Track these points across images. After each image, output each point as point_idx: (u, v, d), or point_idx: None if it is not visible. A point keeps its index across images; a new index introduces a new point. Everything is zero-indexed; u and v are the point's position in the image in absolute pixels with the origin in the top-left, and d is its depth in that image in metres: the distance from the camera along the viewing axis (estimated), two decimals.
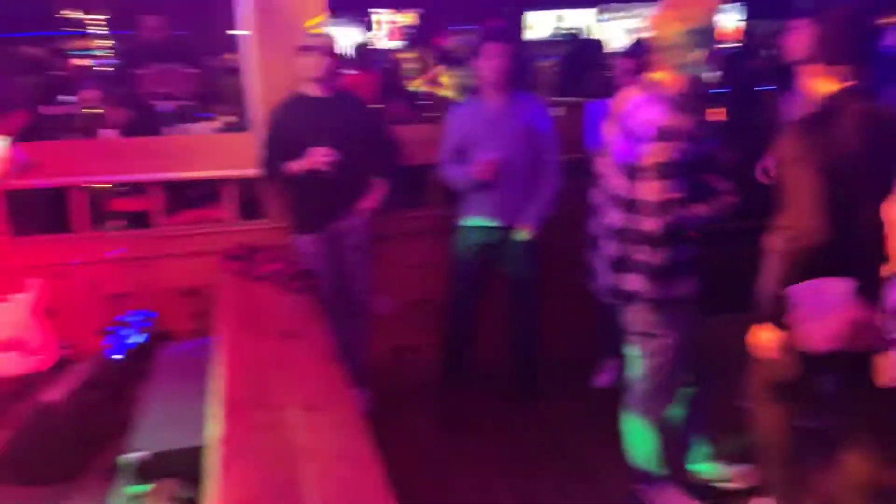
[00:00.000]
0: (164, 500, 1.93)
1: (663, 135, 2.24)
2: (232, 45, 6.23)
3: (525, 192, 3.31)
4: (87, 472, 2.47)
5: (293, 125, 3.17)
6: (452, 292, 3.52)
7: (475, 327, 3.56)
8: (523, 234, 3.32)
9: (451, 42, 4.46)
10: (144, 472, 1.95)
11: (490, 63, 3.20)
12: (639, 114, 2.32)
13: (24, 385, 2.92)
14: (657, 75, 2.35)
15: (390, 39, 6.79)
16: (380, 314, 3.58)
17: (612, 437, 2.68)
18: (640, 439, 2.59)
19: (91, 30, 7.18)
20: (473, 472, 3.00)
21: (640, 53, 2.80)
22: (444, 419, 3.51)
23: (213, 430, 1.85)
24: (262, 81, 3.40)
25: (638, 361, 2.51)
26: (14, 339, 2.88)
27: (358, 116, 3.31)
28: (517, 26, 5.03)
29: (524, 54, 4.40)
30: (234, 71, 6.01)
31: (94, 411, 2.59)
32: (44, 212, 3.70)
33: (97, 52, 6.99)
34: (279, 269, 3.09)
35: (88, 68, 6.40)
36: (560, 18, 10.00)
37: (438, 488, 2.83)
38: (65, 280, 3.32)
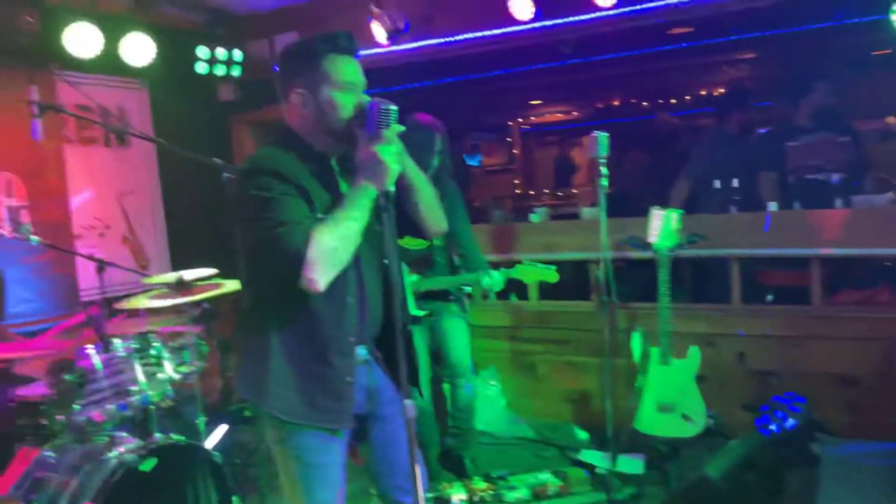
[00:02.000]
0: None
1: None
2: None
3: None
4: None
5: None
6: None
7: None
8: None
9: None
10: None
11: None
12: None
13: (672, 446, 3.04)
14: None
15: None
16: None
17: None
18: None
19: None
20: None
21: None
22: None
23: None
24: None
25: None
26: (672, 403, 3.01)
27: None
28: None
29: None
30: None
31: (748, 493, 2.50)
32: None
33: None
34: None
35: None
36: None
37: None
38: (714, 349, 3.37)
